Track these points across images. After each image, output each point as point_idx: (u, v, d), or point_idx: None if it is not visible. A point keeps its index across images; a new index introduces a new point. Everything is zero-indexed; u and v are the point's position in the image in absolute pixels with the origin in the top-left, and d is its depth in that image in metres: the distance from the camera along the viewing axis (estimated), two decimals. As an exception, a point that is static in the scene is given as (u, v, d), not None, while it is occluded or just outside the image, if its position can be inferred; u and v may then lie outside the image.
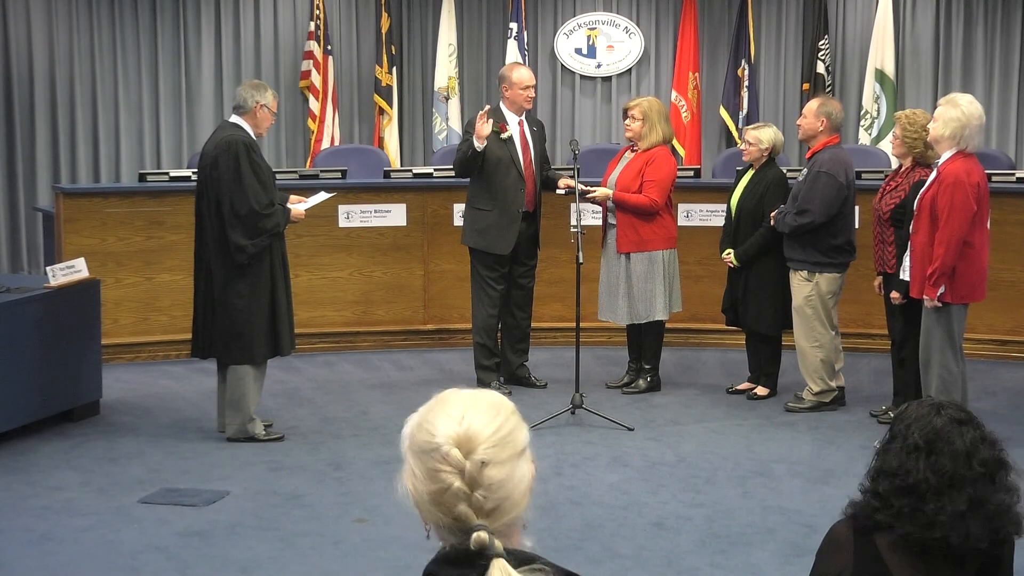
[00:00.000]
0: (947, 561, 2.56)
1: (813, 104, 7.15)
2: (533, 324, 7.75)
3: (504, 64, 10.09)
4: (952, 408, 2.63)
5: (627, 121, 7.37)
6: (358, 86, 11.85)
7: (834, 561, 2.64)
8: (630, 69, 11.79)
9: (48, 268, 6.96)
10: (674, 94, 11.49)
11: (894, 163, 7.85)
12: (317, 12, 11.31)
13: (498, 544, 1.77)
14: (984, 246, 6.27)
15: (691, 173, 8.72)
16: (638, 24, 11.77)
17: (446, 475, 1.77)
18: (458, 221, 8.12)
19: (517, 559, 1.80)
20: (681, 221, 8.14)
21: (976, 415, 2.67)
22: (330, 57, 11.41)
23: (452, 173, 7.81)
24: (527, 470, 1.84)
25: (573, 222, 7.02)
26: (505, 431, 1.81)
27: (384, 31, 11.53)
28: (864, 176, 8.12)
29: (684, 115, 11.41)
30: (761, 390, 7.39)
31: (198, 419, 6.90)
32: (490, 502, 1.77)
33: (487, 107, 7.47)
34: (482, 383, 7.39)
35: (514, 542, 1.82)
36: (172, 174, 8.41)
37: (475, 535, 1.76)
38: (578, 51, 11.80)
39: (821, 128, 7.02)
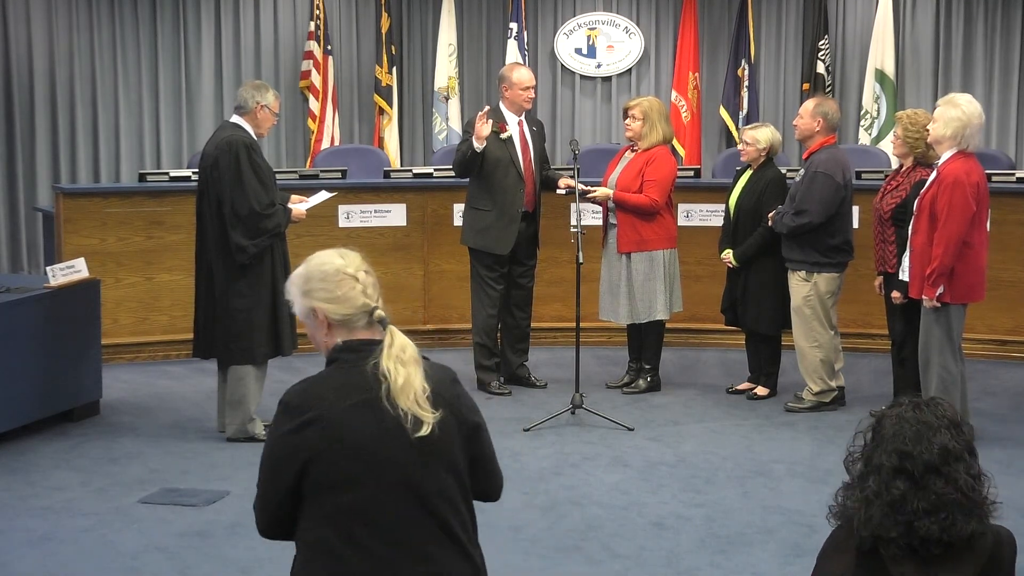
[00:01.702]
0: (947, 563, 2.56)
1: (809, 104, 7.14)
2: (533, 324, 7.74)
3: (504, 64, 10.10)
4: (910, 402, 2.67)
5: (627, 121, 7.37)
6: (358, 86, 11.85)
7: (836, 564, 2.64)
8: (630, 69, 11.79)
9: (48, 268, 6.95)
10: (674, 94, 11.49)
11: (894, 163, 7.85)
12: (317, 12, 11.31)
13: (388, 318, 2.75)
14: (983, 246, 6.26)
15: (691, 173, 8.72)
16: (638, 24, 11.76)
17: (346, 281, 2.78)
18: (458, 221, 8.12)
19: None
20: (681, 221, 8.14)
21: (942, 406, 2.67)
22: (330, 57, 11.41)
23: (452, 173, 7.81)
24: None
25: (573, 222, 7.02)
26: (365, 260, 2.84)
27: (384, 31, 11.53)
28: (864, 176, 8.13)
29: (684, 115, 11.41)
30: (761, 390, 7.39)
31: (198, 419, 6.90)
32: (375, 294, 2.81)
33: (486, 107, 7.47)
34: (482, 383, 7.39)
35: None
36: (172, 174, 8.40)
37: (376, 312, 2.78)
38: (578, 51, 11.80)
39: (817, 128, 7.01)
